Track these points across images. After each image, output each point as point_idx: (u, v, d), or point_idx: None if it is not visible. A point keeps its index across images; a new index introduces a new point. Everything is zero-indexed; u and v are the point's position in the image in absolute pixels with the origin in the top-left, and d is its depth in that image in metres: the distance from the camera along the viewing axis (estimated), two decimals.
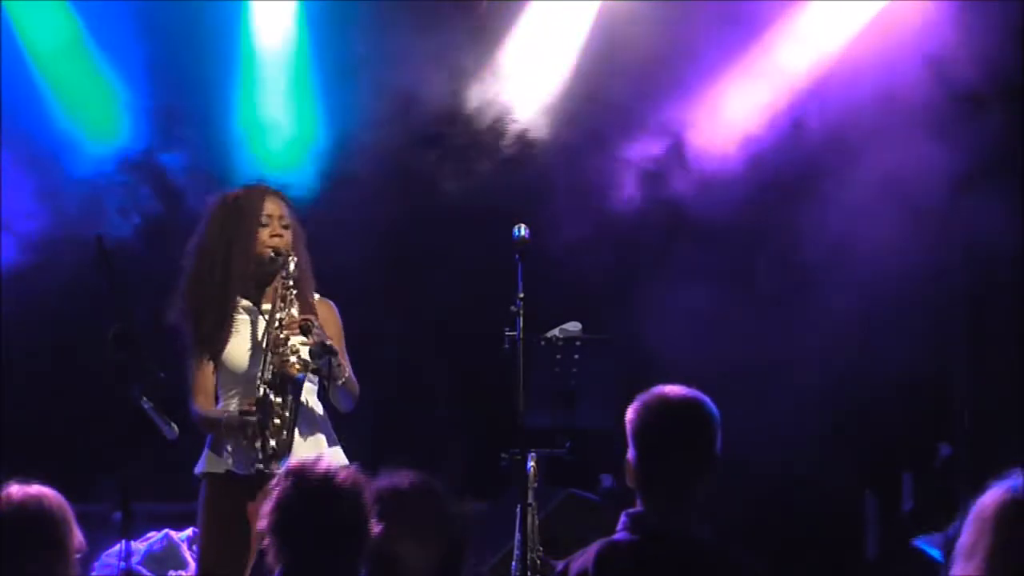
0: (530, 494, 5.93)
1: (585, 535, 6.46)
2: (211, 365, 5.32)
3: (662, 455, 3.52)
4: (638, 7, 7.76)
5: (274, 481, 3.73)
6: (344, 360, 5.33)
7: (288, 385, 5.14)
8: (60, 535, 3.72)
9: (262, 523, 3.67)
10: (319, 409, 5.39)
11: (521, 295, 5.77)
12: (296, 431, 5.20)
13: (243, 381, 5.27)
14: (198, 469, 5.34)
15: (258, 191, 5.42)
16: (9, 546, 3.66)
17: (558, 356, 6.18)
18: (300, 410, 5.19)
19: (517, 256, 5.78)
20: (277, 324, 5.18)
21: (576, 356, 6.18)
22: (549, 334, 6.18)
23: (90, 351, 6.71)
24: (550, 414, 6.18)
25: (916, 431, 7.81)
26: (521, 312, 5.78)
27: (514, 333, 5.78)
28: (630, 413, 3.57)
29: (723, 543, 3.54)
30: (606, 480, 7.46)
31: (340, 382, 5.25)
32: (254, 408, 5.10)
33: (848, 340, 7.66)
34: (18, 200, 7.73)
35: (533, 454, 5.99)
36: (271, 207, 5.36)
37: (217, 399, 5.37)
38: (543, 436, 6.22)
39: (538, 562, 5.87)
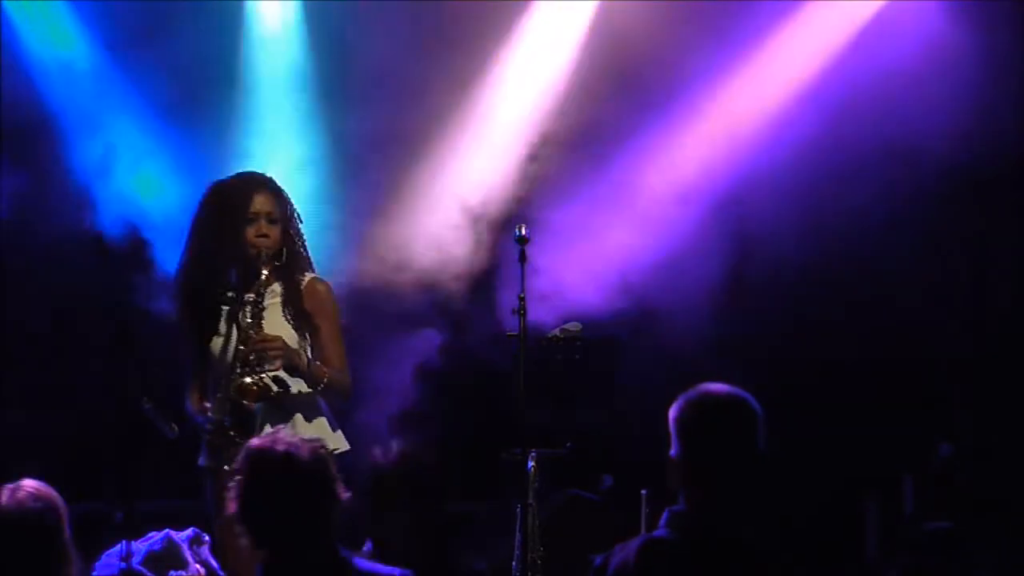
0: (530, 494, 5.93)
1: (585, 535, 6.48)
2: (198, 355, 5.28)
3: (704, 452, 3.47)
4: None
5: (235, 464, 3.68)
6: (337, 345, 5.28)
7: (244, 414, 5.08)
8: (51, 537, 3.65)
9: (230, 508, 3.63)
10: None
11: (521, 295, 5.77)
12: (300, 416, 5.19)
13: (221, 374, 5.22)
14: (202, 461, 5.32)
15: (248, 185, 5.29)
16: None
17: (558, 356, 6.18)
18: (296, 399, 5.17)
19: (517, 256, 5.77)
20: (244, 338, 5.09)
21: (576, 356, 6.18)
22: (549, 334, 6.17)
23: (91, 351, 6.73)
24: (550, 414, 6.17)
25: (916, 431, 7.80)
26: (521, 312, 5.78)
27: (516, 333, 5.78)
28: (673, 410, 3.52)
29: (764, 544, 3.47)
30: (606, 480, 7.46)
31: (319, 387, 5.20)
32: (215, 430, 5.08)
33: (847, 338, 7.66)
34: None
35: (533, 454, 5.99)
36: (259, 203, 5.23)
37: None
38: (543, 436, 6.22)
39: (538, 562, 5.87)
